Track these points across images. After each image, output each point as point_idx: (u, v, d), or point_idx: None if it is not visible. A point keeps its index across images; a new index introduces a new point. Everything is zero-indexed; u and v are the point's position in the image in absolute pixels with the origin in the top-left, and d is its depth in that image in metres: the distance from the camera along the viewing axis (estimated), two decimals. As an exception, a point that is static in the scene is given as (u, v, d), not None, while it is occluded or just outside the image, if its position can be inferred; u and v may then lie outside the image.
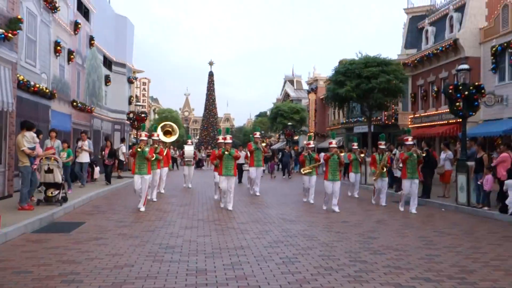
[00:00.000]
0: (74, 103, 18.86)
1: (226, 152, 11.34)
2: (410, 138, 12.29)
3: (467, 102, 13.74)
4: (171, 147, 25.56)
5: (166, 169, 15.06)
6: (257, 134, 15.85)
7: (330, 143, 12.44)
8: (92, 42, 21.55)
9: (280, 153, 29.54)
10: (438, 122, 22.80)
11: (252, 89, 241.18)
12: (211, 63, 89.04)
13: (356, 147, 15.51)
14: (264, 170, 19.55)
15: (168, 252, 6.45)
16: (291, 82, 63.14)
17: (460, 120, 14.66)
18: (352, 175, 15.20)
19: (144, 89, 39.76)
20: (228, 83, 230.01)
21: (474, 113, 14.14)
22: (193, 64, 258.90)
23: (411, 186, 11.69)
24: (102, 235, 7.60)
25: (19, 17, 11.87)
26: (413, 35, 26.52)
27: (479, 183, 11.99)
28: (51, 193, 10.47)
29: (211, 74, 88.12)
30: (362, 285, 4.96)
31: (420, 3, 27.28)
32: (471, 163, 12.68)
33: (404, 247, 7.00)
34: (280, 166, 28.38)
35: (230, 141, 11.96)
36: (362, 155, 15.78)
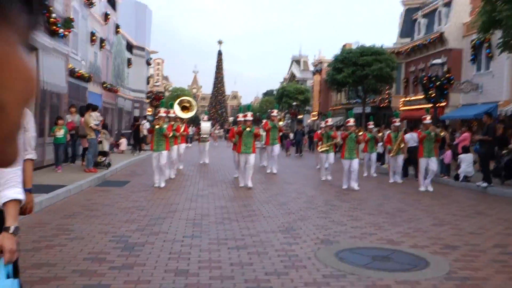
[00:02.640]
0: (104, 85, 21.74)
1: (247, 129, 11.20)
2: (428, 117, 12.27)
3: (439, 90, 16.47)
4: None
5: (183, 145, 15.22)
6: (274, 112, 15.45)
7: (348, 121, 12.43)
8: (118, 29, 24.30)
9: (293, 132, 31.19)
10: (425, 106, 25.43)
11: (260, 66, 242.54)
12: (220, 42, 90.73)
13: (372, 126, 15.16)
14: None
15: (198, 196, 9.40)
16: (298, 62, 65.47)
17: (443, 104, 17.40)
18: (367, 154, 14.89)
19: (158, 68, 42.39)
20: (236, 60, 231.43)
21: (444, 100, 16.89)
22: (201, 40, 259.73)
23: (429, 164, 11.75)
24: (147, 188, 10.53)
25: (71, 17, 14.64)
26: (408, 25, 28.97)
27: (441, 158, 14.79)
28: (100, 159, 13.42)
29: (220, 53, 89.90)
30: (329, 216, 7.86)
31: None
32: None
33: (365, 198, 9.88)
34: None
35: (251, 118, 11.61)
36: (380, 134, 15.78)
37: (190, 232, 6.37)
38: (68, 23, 14.15)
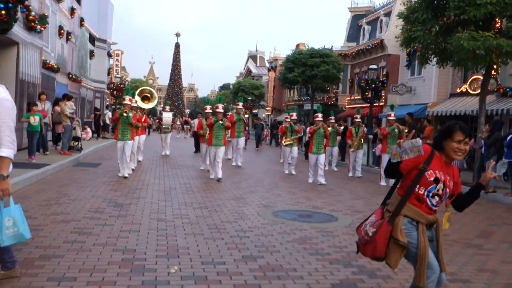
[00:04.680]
0: (70, 75, 22.87)
1: (220, 122, 11.18)
2: (392, 114, 12.61)
3: (374, 92, 18.95)
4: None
5: (144, 136, 14.64)
6: (240, 105, 15.33)
7: (316, 116, 12.28)
8: (82, 23, 25.37)
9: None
10: (367, 105, 28.17)
11: (217, 59, 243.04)
12: (178, 35, 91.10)
13: (333, 121, 14.95)
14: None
15: (165, 176, 11.22)
16: (254, 58, 67.51)
17: (382, 104, 19.84)
18: (328, 148, 14.55)
19: (117, 60, 43.15)
20: (193, 51, 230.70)
21: (378, 101, 19.40)
22: (158, 31, 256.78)
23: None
24: (118, 170, 12.21)
25: (46, 14, 15.92)
26: (354, 30, 31.64)
27: (373, 150, 17.24)
28: (73, 143, 14.90)
29: (177, 45, 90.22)
30: (272, 191, 9.90)
31: (363, 3, 32.25)
32: (370, 136, 17.92)
33: (305, 180, 12.02)
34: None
35: (222, 110, 11.55)
36: (341, 127, 15.86)
37: (163, 198, 8.24)
38: (43, 19, 15.41)
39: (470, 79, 19.34)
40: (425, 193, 3.16)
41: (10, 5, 8.84)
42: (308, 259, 4.95)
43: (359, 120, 14.57)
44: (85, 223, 5.99)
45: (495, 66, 13.24)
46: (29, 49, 14.49)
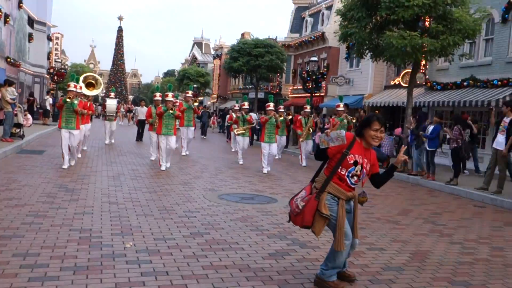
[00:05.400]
0: (8, 59, 22.18)
1: (170, 111, 10.92)
2: (341, 105, 13.08)
3: (315, 83, 19.92)
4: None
5: (88, 125, 13.70)
6: (189, 93, 15.04)
7: (268, 105, 12.44)
8: (21, 5, 24.55)
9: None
10: (307, 95, 29.31)
11: (161, 45, 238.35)
12: (120, 18, 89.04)
13: (283, 110, 14.78)
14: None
15: (112, 162, 11.50)
16: (200, 45, 67.29)
17: (322, 94, 20.78)
18: (277, 137, 13.77)
19: (57, 43, 41.82)
20: (136, 36, 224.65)
21: (319, 91, 20.39)
22: (99, 14, 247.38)
23: None
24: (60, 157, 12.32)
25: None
26: (297, 22, 32.60)
27: (313, 138, 18.22)
28: (15, 130, 14.70)
29: (120, 29, 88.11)
30: (217, 176, 10.48)
31: (306, -5, 33.21)
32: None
33: (248, 167, 12.69)
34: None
35: (172, 98, 11.33)
36: (290, 117, 15.02)
37: (113, 183, 8.62)
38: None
39: (402, 73, 20.74)
40: (346, 174, 3.85)
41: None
42: (248, 234, 5.62)
43: (308, 110, 14.80)
44: (39, 207, 6.31)
45: (423, 62, 14.48)
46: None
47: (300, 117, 15.05)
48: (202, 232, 5.60)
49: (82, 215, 6.04)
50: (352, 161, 3.83)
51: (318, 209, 3.83)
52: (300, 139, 14.48)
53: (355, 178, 3.88)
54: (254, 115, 18.56)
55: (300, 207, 3.93)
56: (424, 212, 7.95)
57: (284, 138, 15.70)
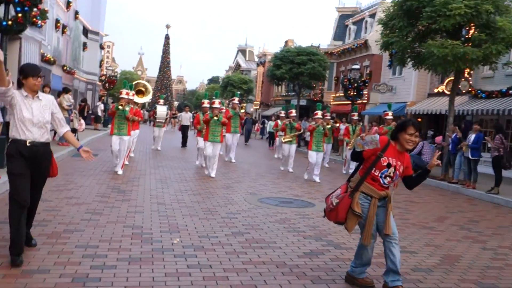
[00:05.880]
0: (64, 67, 23.60)
1: (215, 118, 10.97)
2: (390, 113, 12.71)
3: (356, 90, 20.05)
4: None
5: (137, 131, 13.89)
6: (236, 100, 14.89)
7: (316, 113, 12.20)
8: (77, 15, 26.06)
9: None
10: (349, 102, 29.34)
11: (206, 52, 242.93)
12: (168, 26, 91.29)
13: (330, 117, 14.67)
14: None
15: (159, 166, 12.16)
16: (244, 52, 68.41)
17: (365, 101, 20.89)
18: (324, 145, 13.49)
19: (108, 51, 43.72)
20: (182, 43, 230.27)
21: (360, 99, 20.49)
22: (147, 22, 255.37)
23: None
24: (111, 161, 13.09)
25: (46, 9, 16.63)
26: (341, 29, 32.73)
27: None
28: (70, 135, 15.72)
29: (167, 37, 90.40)
30: (258, 181, 10.91)
31: (350, 4, 33.34)
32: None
33: (286, 173, 13.05)
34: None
35: (219, 105, 11.46)
36: (337, 124, 15.91)
37: (160, 186, 9.22)
38: (43, 14, 16.10)
39: (446, 81, 20.51)
40: (379, 174, 4.11)
41: (26, 8, 9.69)
42: (286, 235, 5.99)
43: (356, 118, 14.38)
44: (96, 206, 6.94)
45: (468, 70, 14.36)
46: (30, 43, 15.29)
47: (341, 125, 15.09)
48: (243, 231, 6.02)
49: (134, 214, 6.61)
50: (385, 163, 4.08)
51: (351, 206, 4.12)
52: (348, 147, 14.08)
53: (388, 179, 4.13)
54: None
55: (334, 204, 4.23)
56: (461, 220, 8.05)
57: (329, 146, 15.47)
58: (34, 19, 14.98)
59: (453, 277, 4.76)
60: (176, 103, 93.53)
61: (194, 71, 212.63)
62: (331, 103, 31.63)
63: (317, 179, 11.63)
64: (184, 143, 19.57)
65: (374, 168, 4.10)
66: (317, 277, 4.49)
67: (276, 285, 4.21)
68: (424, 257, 5.46)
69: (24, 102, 4.32)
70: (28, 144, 4.32)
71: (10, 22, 9.58)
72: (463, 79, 15.79)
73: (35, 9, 14.82)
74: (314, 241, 5.78)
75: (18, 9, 9.54)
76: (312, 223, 6.80)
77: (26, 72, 4.32)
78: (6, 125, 9.03)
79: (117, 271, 4.27)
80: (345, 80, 20.25)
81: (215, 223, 6.37)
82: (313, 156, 11.68)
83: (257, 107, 52.05)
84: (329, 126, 12.78)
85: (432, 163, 4.24)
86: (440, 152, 4.61)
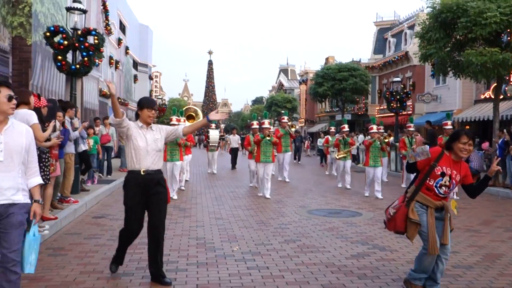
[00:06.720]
0: (119, 99, 25.17)
1: (266, 138, 11.03)
2: (449, 123, 12.11)
3: (399, 102, 20.27)
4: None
5: (190, 156, 13.73)
6: (285, 119, 14.73)
7: (371, 128, 11.77)
8: (127, 51, 27.84)
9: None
10: (393, 114, 29.34)
11: (248, 73, 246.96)
12: (210, 52, 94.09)
13: (382, 131, 13.62)
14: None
15: (213, 186, 12.95)
16: (285, 71, 69.50)
17: (410, 112, 21.07)
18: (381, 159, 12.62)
19: (156, 81, 45.77)
20: (225, 66, 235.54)
21: (404, 110, 20.66)
22: (190, 48, 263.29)
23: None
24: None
25: (102, 50, 18.11)
26: (380, 43, 32.97)
27: (400, 156, 18.49)
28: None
29: (210, 63, 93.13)
30: (307, 195, 11.45)
31: (388, 17, 33.56)
32: (397, 144, 19.19)
33: (333, 186, 13.51)
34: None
35: (269, 125, 11.51)
36: (392, 137, 15.09)
37: (216, 203, 9.97)
38: (100, 54, 17.63)
39: (492, 86, 20.35)
40: (434, 184, 4.18)
41: (90, 52, 10.89)
42: (334, 241, 6.53)
43: (412, 129, 13.55)
44: (162, 222, 7.74)
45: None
46: (89, 81, 16.71)
47: (391, 136, 14.38)
48: (294, 239, 6.61)
49: (196, 227, 7.36)
50: (439, 172, 4.16)
51: (408, 215, 4.21)
52: (405, 160, 13.24)
53: (444, 188, 4.19)
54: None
55: (391, 214, 4.43)
56: (508, 223, 8.25)
57: (385, 159, 14.88)
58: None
59: (492, 272, 5.13)
60: (222, 126, 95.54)
61: (238, 92, 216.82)
62: (376, 116, 31.69)
63: (379, 195, 11.12)
64: (233, 165, 19.90)
65: (428, 178, 4.20)
66: (363, 274, 5.01)
67: (326, 281, 4.78)
68: (466, 256, 5.84)
69: (139, 133, 4.59)
70: (142, 173, 4.55)
71: (78, 66, 10.73)
72: (510, 84, 15.75)
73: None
74: (360, 245, 6.28)
75: (84, 54, 10.71)
76: (359, 230, 7.28)
77: (142, 104, 4.64)
78: (79, 155, 10.16)
79: (188, 273, 4.99)
80: (387, 93, 20.50)
81: (269, 233, 6.99)
82: (371, 172, 11.35)
83: (302, 125, 52.60)
84: (386, 140, 12.53)
85: (492, 169, 4.25)
86: (499, 158, 4.83)
